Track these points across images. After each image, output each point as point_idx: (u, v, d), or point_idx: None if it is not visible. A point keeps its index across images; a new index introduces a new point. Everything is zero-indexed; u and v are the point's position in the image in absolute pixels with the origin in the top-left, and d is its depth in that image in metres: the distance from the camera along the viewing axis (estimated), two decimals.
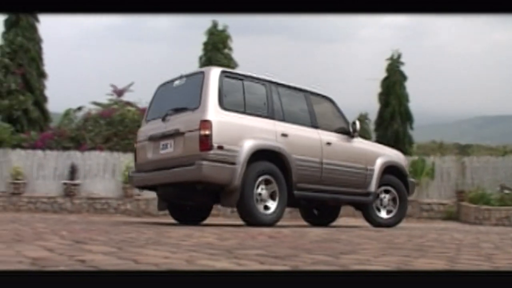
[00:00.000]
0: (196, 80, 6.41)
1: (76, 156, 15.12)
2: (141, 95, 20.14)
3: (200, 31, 18.12)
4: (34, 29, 18.24)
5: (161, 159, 6.44)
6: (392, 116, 18.43)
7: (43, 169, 15.13)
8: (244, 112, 6.53)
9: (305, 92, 7.58)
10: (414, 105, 19.41)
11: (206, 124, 5.95)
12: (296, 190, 6.87)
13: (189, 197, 6.78)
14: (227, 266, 2.24)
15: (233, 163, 6.08)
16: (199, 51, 18.01)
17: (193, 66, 17.26)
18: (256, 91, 6.90)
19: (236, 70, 7.21)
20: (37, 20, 18.32)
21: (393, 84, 18.56)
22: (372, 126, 20.27)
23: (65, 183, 14.79)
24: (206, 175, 5.90)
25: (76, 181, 14.82)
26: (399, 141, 17.97)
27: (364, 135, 15.61)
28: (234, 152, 6.11)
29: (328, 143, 7.40)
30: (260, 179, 6.42)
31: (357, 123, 7.89)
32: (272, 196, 6.65)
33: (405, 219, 9.62)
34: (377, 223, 8.12)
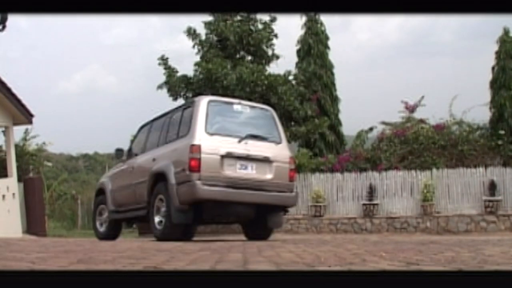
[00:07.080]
0: (262, 113, 7.52)
1: (373, 177, 15.33)
2: (433, 111, 20.41)
3: (489, 40, 17.62)
4: (324, 57, 19.15)
5: (242, 178, 6.85)
6: None
7: (341, 191, 15.36)
8: None
9: None
10: None
11: (293, 159, 7.53)
12: None
13: (257, 216, 7.29)
14: None
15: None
16: (490, 61, 17.59)
17: (485, 76, 17.14)
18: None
19: None
20: (328, 47, 19.22)
21: None
22: None
23: (364, 204, 14.92)
24: (296, 202, 7.42)
25: (375, 201, 14.94)
26: None
27: None
28: None
29: None
30: None
31: None
32: None
33: None
34: None
